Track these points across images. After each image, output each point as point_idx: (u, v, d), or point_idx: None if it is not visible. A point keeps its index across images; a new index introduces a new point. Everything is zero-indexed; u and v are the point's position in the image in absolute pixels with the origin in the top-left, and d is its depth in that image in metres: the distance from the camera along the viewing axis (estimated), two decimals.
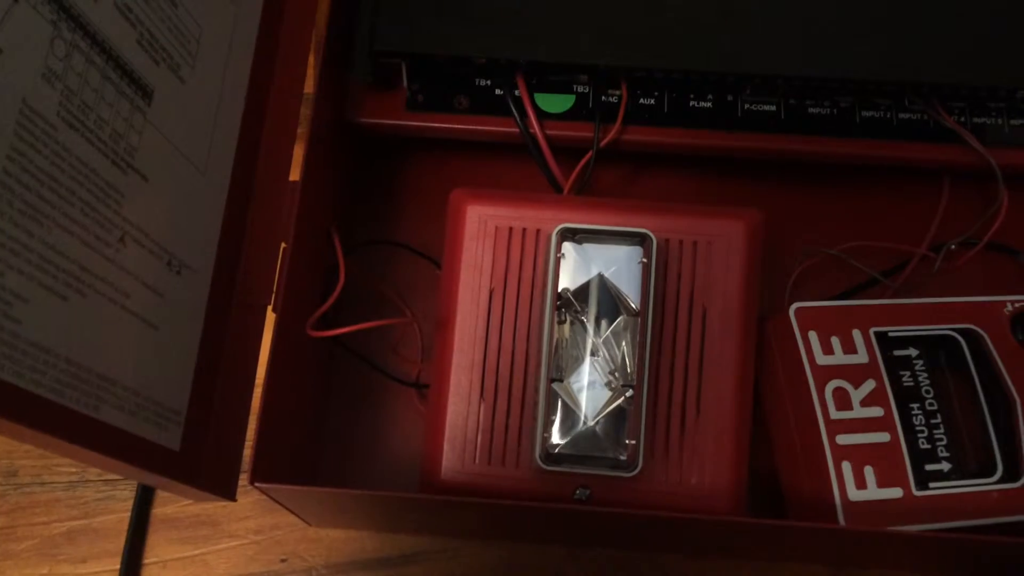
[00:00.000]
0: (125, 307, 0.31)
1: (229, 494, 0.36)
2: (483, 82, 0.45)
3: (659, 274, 0.39)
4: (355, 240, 0.47)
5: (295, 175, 0.40)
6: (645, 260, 0.39)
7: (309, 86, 0.43)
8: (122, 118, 0.31)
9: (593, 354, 0.39)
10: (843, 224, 0.48)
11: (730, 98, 0.45)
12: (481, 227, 0.41)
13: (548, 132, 0.44)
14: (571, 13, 0.42)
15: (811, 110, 0.45)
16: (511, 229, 0.41)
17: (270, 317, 0.38)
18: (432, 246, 0.47)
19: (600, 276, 0.39)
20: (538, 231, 0.41)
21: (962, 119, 0.44)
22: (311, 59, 0.44)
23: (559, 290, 0.39)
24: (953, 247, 0.46)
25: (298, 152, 0.41)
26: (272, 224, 0.40)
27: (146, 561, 0.43)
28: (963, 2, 0.42)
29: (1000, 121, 0.45)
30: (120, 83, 0.31)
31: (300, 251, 0.39)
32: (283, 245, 0.39)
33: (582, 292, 0.39)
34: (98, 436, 0.29)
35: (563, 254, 0.39)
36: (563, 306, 0.39)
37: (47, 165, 0.27)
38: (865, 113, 0.45)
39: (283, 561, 0.43)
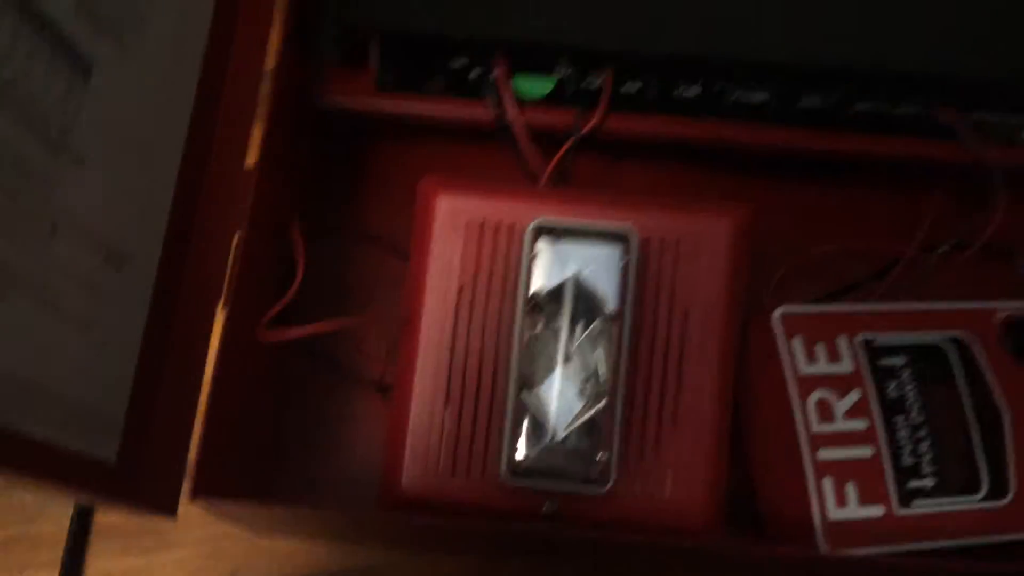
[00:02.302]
0: (56, 307, 0.29)
1: (170, 510, 0.33)
2: (459, 63, 0.42)
3: (639, 274, 0.37)
4: (316, 230, 0.44)
5: (252, 159, 0.37)
6: (626, 260, 0.36)
7: (269, 62, 0.40)
8: (54, 94, 0.28)
9: (566, 361, 0.36)
10: (830, 222, 0.46)
11: (719, 87, 0.42)
12: (451, 219, 0.38)
13: (526, 118, 0.42)
14: None
15: (803, 101, 0.42)
16: (483, 222, 0.38)
17: (220, 315, 0.35)
18: (400, 238, 0.44)
19: (575, 277, 0.37)
20: (512, 225, 0.38)
21: (960, 116, 0.42)
22: (272, 31, 0.41)
23: (532, 291, 0.37)
24: (944, 250, 0.44)
25: (256, 134, 0.38)
26: (225, 213, 0.37)
27: (87, 572, 0.41)
28: None
29: (999, 118, 0.42)
30: (54, 53, 0.28)
31: (255, 243, 0.36)
32: (237, 236, 0.36)
33: (556, 293, 0.37)
34: (20, 454, 0.27)
35: (537, 252, 0.37)
36: (535, 308, 0.37)
37: None
38: (860, 106, 0.42)
39: (232, 575, 0.41)
